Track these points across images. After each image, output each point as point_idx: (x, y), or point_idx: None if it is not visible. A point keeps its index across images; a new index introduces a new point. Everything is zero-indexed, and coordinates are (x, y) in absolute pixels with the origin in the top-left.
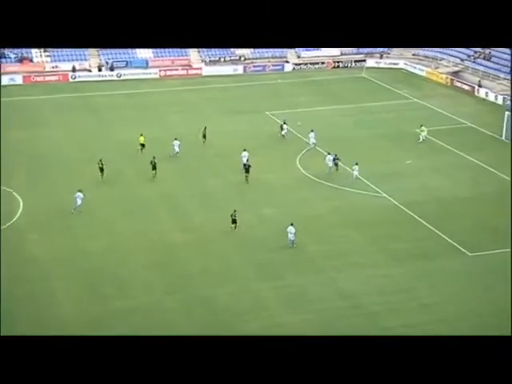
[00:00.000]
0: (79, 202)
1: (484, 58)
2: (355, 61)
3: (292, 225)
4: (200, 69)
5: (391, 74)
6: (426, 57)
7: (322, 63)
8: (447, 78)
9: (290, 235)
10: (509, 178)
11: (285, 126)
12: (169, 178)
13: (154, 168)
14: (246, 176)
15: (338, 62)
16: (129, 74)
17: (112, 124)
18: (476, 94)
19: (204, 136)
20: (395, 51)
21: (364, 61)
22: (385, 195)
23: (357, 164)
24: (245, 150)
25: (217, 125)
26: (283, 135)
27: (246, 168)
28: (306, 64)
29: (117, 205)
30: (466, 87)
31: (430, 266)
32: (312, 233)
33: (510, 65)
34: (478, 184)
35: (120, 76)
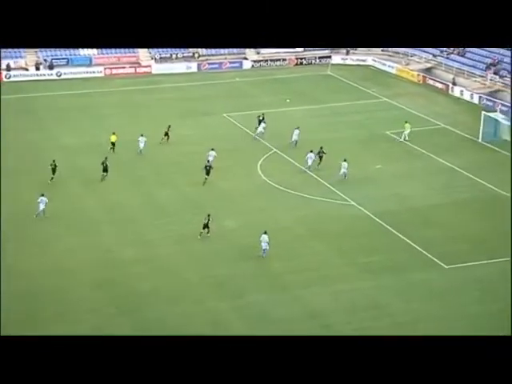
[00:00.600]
0: (42, 206)
1: (458, 54)
2: (319, 57)
3: (265, 233)
4: (149, 66)
5: (359, 71)
6: (395, 53)
7: (284, 60)
8: (419, 75)
9: (263, 244)
10: (485, 183)
11: (262, 125)
12: (118, 187)
13: (105, 170)
14: (206, 178)
15: (301, 59)
16: (70, 72)
17: (52, 128)
18: (450, 92)
19: (166, 134)
20: None
21: (329, 57)
22: (354, 204)
23: (345, 160)
24: (212, 150)
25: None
26: (261, 132)
27: (207, 169)
28: (267, 61)
29: (60, 218)
30: (440, 85)
31: (403, 279)
32: (276, 246)
33: (485, 61)
34: (453, 190)
35: (60, 75)
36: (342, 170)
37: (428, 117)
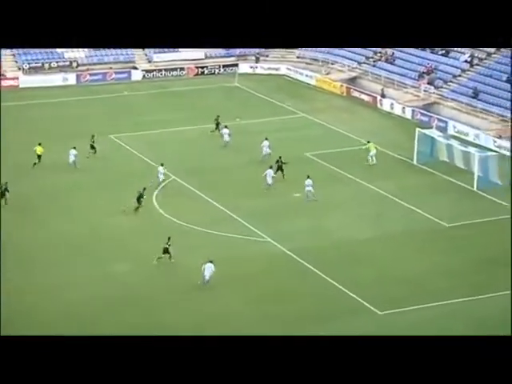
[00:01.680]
0: None
1: (386, 61)
2: (224, 66)
3: (211, 262)
4: (16, 79)
5: (271, 81)
6: (314, 60)
7: (182, 69)
8: (342, 86)
9: (206, 273)
10: (422, 212)
11: (226, 131)
12: None
13: (3, 195)
14: (137, 207)
15: (203, 68)
16: None
17: None
18: (379, 105)
19: (92, 147)
20: (275, 53)
21: (236, 65)
22: (269, 240)
23: (309, 177)
24: (162, 165)
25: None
26: (226, 142)
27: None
28: (161, 71)
29: None
30: (366, 98)
31: (331, 329)
32: (172, 292)
33: (418, 68)
34: (386, 221)
35: None
36: (306, 189)
37: (354, 135)
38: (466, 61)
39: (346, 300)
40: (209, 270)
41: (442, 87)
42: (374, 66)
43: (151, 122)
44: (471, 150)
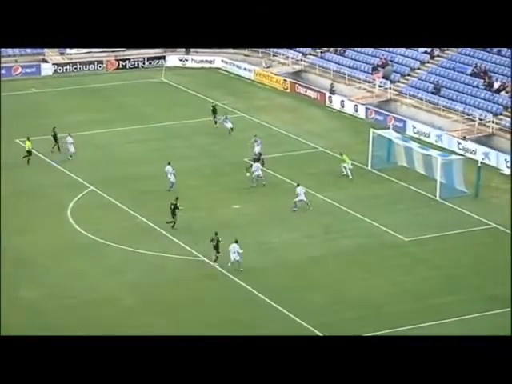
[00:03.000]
0: None
1: (336, 52)
2: (149, 58)
3: (236, 242)
4: None
5: (204, 76)
6: (253, 51)
7: (100, 63)
8: (285, 81)
9: (232, 255)
10: (378, 225)
11: (226, 118)
12: None
13: None
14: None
15: (124, 61)
16: None
17: None
18: (328, 103)
19: (54, 137)
20: None
21: (162, 58)
22: (204, 259)
23: (299, 185)
24: (169, 164)
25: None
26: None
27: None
28: (75, 64)
29: None
30: (313, 94)
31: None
32: (96, 323)
33: (371, 61)
34: (337, 236)
35: None
36: (300, 198)
37: (299, 137)
38: (425, 51)
39: (292, 326)
40: (234, 250)
41: (398, 81)
42: (321, 57)
43: (66, 124)
44: (433, 153)
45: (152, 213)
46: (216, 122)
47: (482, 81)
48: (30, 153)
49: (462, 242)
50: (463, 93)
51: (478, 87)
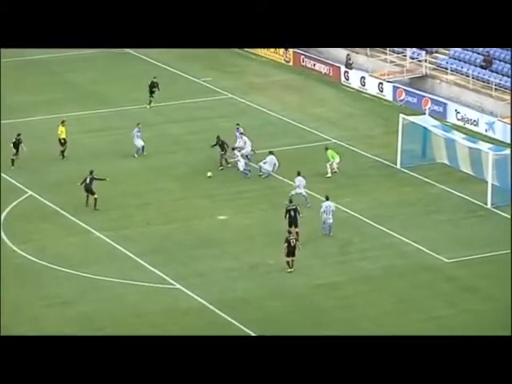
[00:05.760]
0: None
1: None
2: None
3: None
4: None
5: None
6: None
7: None
8: (288, 51)
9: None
10: (410, 242)
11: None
12: None
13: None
14: None
15: None
16: None
17: None
18: (343, 80)
19: (16, 147)
20: None
21: None
22: (180, 287)
23: (299, 174)
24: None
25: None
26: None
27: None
28: None
29: None
30: (324, 68)
31: None
32: None
33: None
34: (355, 256)
35: None
36: (295, 191)
37: (306, 126)
38: None
39: None
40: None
41: (437, 52)
42: None
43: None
44: (483, 146)
45: (112, 226)
46: (151, 102)
47: None
48: (65, 142)
49: None
50: None
51: None
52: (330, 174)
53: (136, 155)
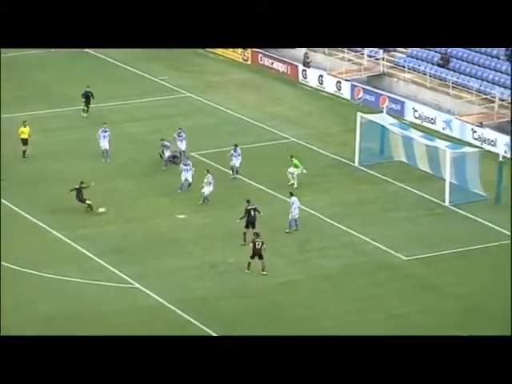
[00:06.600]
0: None
1: None
2: None
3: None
4: None
5: None
6: None
7: None
8: (246, 51)
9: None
10: (370, 240)
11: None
12: None
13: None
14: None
15: None
16: None
17: None
18: (301, 79)
19: None
20: None
21: None
22: (139, 286)
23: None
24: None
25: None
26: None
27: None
28: None
29: None
30: (282, 67)
31: None
32: None
33: None
34: (313, 255)
35: None
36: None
37: (264, 124)
38: None
39: None
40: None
41: (394, 50)
42: None
43: None
44: (440, 144)
45: (70, 225)
46: (87, 111)
47: (504, 49)
48: (25, 141)
49: (480, 261)
50: (479, 65)
51: (498, 58)
52: (296, 185)
53: (104, 160)
